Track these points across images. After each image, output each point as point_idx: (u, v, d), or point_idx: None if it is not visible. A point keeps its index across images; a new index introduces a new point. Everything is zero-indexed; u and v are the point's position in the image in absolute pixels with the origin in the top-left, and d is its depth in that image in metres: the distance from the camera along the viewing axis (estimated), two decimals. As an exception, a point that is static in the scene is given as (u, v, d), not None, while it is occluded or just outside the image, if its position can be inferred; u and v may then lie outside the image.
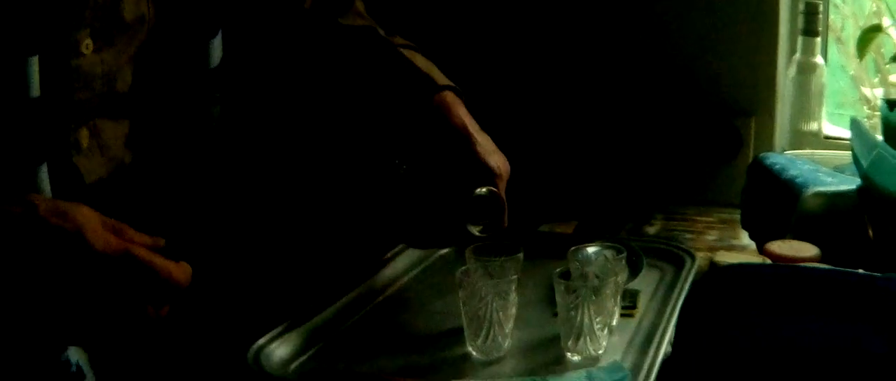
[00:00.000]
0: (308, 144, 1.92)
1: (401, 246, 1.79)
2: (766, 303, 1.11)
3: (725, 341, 1.12)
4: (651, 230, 2.06)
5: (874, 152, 1.48)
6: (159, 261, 1.13)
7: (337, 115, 1.79)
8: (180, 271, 1.15)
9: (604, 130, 2.30)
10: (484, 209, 1.52)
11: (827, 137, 2.30)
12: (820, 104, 2.28)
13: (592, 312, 1.37)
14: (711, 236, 1.98)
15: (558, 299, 1.39)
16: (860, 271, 1.11)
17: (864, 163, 1.51)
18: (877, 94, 2.39)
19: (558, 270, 1.42)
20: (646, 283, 1.67)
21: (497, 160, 1.55)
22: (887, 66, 2.19)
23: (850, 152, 1.61)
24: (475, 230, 1.52)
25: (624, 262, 1.52)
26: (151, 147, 1.44)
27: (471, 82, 1.65)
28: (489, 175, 1.53)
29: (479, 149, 1.55)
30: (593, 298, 1.37)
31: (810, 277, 1.10)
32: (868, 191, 1.52)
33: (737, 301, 1.12)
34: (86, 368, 1.31)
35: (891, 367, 1.08)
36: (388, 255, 1.77)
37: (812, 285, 1.09)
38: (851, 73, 2.24)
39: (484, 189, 1.51)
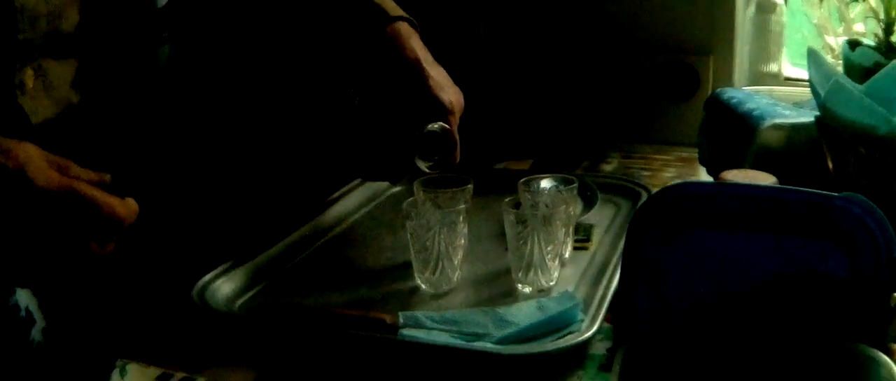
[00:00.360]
0: (259, 81, 1.88)
1: (354, 182, 1.77)
2: (715, 222, 1.07)
3: (669, 261, 1.08)
4: (607, 168, 2.03)
5: (832, 81, 1.44)
6: (103, 197, 1.10)
7: (289, 49, 1.75)
8: (124, 207, 1.12)
9: (560, 68, 2.26)
10: (435, 145, 1.48)
11: (787, 79, 2.27)
12: (779, 45, 2.26)
13: (543, 242, 1.34)
14: (669, 174, 1.95)
15: (508, 229, 1.36)
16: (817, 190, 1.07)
17: (822, 92, 1.47)
18: (840, 43, 2.36)
19: (508, 199, 1.37)
20: (601, 217, 1.64)
21: (450, 95, 1.51)
22: (848, 4, 2.15)
23: (809, 88, 1.57)
24: (424, 166, 1.48)
25: (575, 193, 1.49)
26: (99, 88, 1.40)
27: (425, 18, 1.60)
28: (441, 110, 1.48)
29: (431, 83, 1.50)
30: (543, 228, 1.34)
31: (763, 196, 1.07)
32: (826, 122, 1.48)
33: (681, 220, 1.08)
34: (36, 314, 1.29)
35: (851, 289, 1.04)
36: (340, 192, 1.74)
37: (765, 205, 1.05)
38: (815, 21, 2.21)
39: (436, 125, 1.46)
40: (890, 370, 0.96)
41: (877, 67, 1.50)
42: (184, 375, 1.19)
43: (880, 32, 1.61)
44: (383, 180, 1.68)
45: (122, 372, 1.18)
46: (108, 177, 1.14)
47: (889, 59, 1.48)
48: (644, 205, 1.08)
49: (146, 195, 1.17)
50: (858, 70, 1.58)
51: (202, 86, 1.70)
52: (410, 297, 1.39)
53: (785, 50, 2.27)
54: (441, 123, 1.47)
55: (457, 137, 1.49)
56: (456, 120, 1.51)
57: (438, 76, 1.52)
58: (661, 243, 1.08)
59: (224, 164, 1.73)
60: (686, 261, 1.08)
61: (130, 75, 1.45)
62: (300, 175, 1.76)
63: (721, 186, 1.24)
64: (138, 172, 1.36)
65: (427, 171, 1.48)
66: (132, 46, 1.44)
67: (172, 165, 1.57)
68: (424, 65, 1.51)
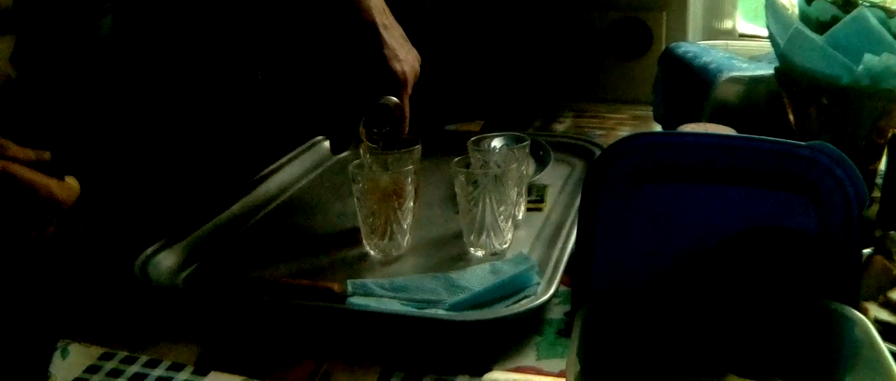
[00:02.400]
0: (204, 51, 1.82)
1: (300, 148, 1.74)
2: (675, 174, 1.02)
3: (627, 217, 1.03)
4: (560, 128, 1.98)
5: (792, 29, 1.40)
6: (40, 179, 1.06)
7: (238, 16, 1.70)
8: (63, 189, 1.08)
9: (510, 27, 2.22)
10: (384, 117, 1.43)
11: (742, 35, 2.25)
12: (734, 1, 2.23)
13: (495, 203, 1.30)
14: (623, 132, 1.92)
15: (458, 190, 1.32)
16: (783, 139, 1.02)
17: (782, 42, 1.43)
18: (795, 1, 2.33)
19: (457, 159, 1.33)
20: (554, 177, 1.60)
21: (404, 65, 1.46)
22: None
23: (768, 41, 1.53)
24: (367, 138, 1.43)
25: (527, 151, 1.44)
26: (38, 62, 1.35)
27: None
28: (394, 83, 1.44)
29: (386, 51, 1.45)
30: (495, 188, 1.29)
31: (725, 146, 1.02)
32: (787, 72, 1.44)
33: (640, 173, 1.03)
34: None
35: (820, 243, 1.00)
36: (285, 158, 1.70)
37: (728, 155, 1.01)
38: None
39: (389, 99, 1.43)
40: (865, 327, 0.92)
41: (834, 20, 1.46)
42: (126, 353, 1.15)
43: (838, -14, 1.58)
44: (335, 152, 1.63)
45: (64, 353, 1.15)
46: (47, 155, 1.09)
47: (847, 11, 1.44)
48: (599, 157, 1.03)
49: (86, 171, 1.12)
50: (815, 24, 1.55)
51: (146, 57, 1.65)
52: (359, 264, 1.35)
53: (740, 7, 2.24)
54: (393, 98, 1.43)
55: (407, 111, 1.45)
56: (408, 92, 1.46)
57: (395, 42, 1.47)
58: (618, 198, 1.02)
59: (165, 135, 1.68)
60: (646, 217, 1.03)
61: (71, 48, 1.40)
62: (242, 143, 1.71)
63: (681, 136, 1.19)
64: (79, 147, 1.31)
65: (370, 143, 1.43)
66: (73, 17, 1.38)
67: (112, 139, 1.52)
68: (381, 30, 1.45)
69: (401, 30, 1.49)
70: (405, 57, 1.47)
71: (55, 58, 1.38)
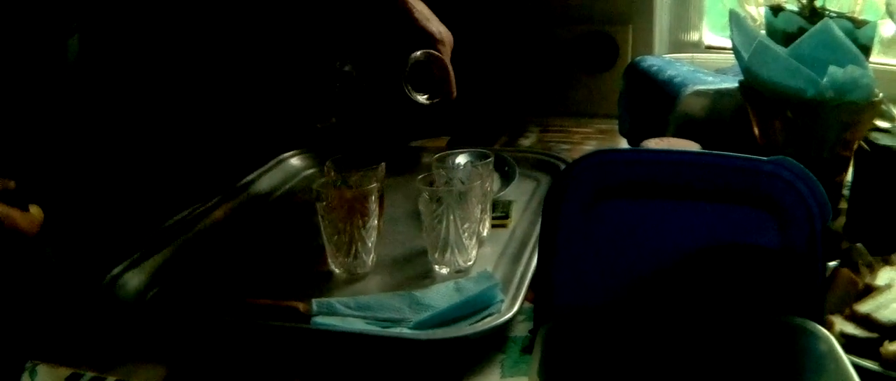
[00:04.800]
0: (177, 73, 1.81)
1: (265, 166, 1.72)
2: (637, 191, 1.02)
3: (589, 234, 1.03)
4: (526, 142, 1.98)
5: (756, 43, 1.40)
6: (4, 211, 1.06)
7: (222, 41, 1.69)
8: (26, 219, 1.07)
9: (476, 41, 2.21)
10: (426, 77, 1.45)
11: (709, 47, 2.24)
12: (700, 12, 2.23)
13: (459, 220, 1.29)
14: (589, 147, 1.92)
15: (422, 208, 1.31)
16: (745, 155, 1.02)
17: (746, 55, 1.42)
18: (762, 13, 2.34)
19: (421, 176, 1.32)
20: (520, 193, 1.60)
21: (438, 26, 1.48)
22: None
23: (733, 53, 1.52)
24: (421, 98, 1.43)
25: (491, 168, 1.43)
26: (2, 84, 1.33)
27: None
28: (429, 40, 1.45)
29: (416, 15, 1.47)
30: (459, 205, 1.28)
31: (687, 162, 1.01)
32: (751, 85, 1.44)
33: (601, 190, 1.02)
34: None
35: (783, 259, 0.99)
36: (251, 176, 1.69)
37: (690, 171, 1.00)
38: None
39: (418, 53, 1.44)
40: (828, 342, 0.92)
41: (801, 32, 1.47)
42: (94, 374, 1.14)
43: (804, -2, 1.58)
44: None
45: (33, 374, 1.14)
46: (11, 184, 1.09)
47: (813, 23, 1.44)
48: (560, 175, 1.02)
49: (52, 192, 1.11)
50: (781, 35, 1.56)
51: (114, 77, 1.64)
52: (325, 282, 1.33)
53: (706, 19, 2.24)
54: (426, 50, 1.44)
55: (450, 67, 1.46)
56: (447, 50, 1.47)
57: (423, 8, 1.48)
58: (579, 215, 1.02)
59: (132, 155, 1.67)
60: (608, 233, 1.02)
61: (37, 69, 1.38)
62: (211, 160, 1.70)
63: (641, 153, 1.19)
64: (44, 170, 1.30)
65: (426, 102, 1.45)
66: (39, 37, 1.37)
67: (79, 159, 1.51)
68: (409, 2, 1.47)
69: (427, 6, 1.50)
70: (437, 21, 1.49)
71: (21, 79, 1.36)
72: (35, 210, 1.09)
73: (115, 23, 1.61)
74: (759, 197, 1.00)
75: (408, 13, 1.46)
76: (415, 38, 1.45)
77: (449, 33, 1.48)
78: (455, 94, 1.47)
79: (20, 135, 1.37)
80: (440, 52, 1.45)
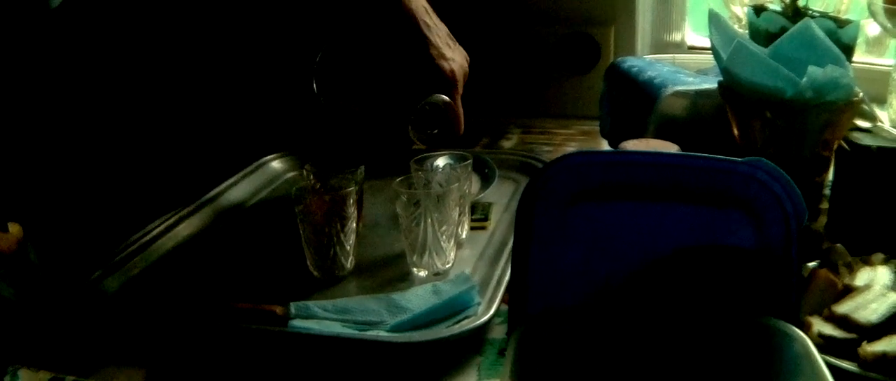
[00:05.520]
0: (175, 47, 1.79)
1: (245, 170, 1.71)
2: (611, 193, 1.02)
3: (564, 236, 1.02)
4: (507, 144, 1.98)
5: (734, 43, 1.39)
6: None
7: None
8: (3, 241, 1.07)
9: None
10: (434, 118, 1.43)
11: (691, 48, 2.24)
12: (683, 13, 2.23)
13: (436, 223, 1.29)
14: (571, 148, 1.91)
15: (400, 210, 1.30)
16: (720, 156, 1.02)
17: (725, 55, 1.42)
18: (746, 12, 2.34)
19: (400, 178, 1.31)
20: (499, 195, 1.60)
21: (451, 65, 1.44)
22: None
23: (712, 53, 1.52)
24: (417, 138, 1.42)
25: (470, 169, 1.42)
26: None
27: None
28: (443, 82, 1.43)
29: (433, 52, 1.43)
30: (436, 208, 1.28)
31: (661, 164, 1.01)
32: (730, 86, 1.44)
33: (575, 192, 1.02)
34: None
35: (758, 260, 0.99)
36: (233, 179, 1.69)
37: (664, 173, 1.00)
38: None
39: (439, 98, 1.42)
40: (804, 343, 0.91)
41: (783, 31, 1.47)
42: (75, 378, 1.14)
43: (787, -2, 1.58)
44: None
45: (14, 378, 1.14)
46: None
47: (795, 22, 1.44)
48: (534, 178, 1.02)
49: (34, 199, 1.11)
50: (764, 35, 1.56)
51: (98, 37, 1.62)
52: (303, 285, 1.33)
53: (689, 19, 2.24)
54: (443, 96, 1.42)
55: (459, 109, 1.43)
56: (459, 91, 1.45)
57: (440, 42, 1.44)
58: (554, 217, 1.02)
59: (114, 153, 1.66)
60: (583, 235, 1.02)
61: (16, 14, 1.37)
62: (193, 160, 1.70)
63: (615, 155, 1.19)
64: (26, 176, 1.29)
65: (422, 146, 1.43)
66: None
67: (64, 163, 1.50)
68: (425, 30, 1.43)
69: (446, 29, 1.47)
70: (452, 55, 1.45)
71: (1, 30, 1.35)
72: (14, 229, 1.08)
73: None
74: (734, 198, 0.99)
75: (425, 47, 1.42)
76: (428, 76, 1.42)
77: (463, 63, 1.46)
78: (462, 131, 1.44)
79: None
80: (452, 98, 1.42)
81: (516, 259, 1.03)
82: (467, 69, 1.46)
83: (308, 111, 1.51)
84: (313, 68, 1.45)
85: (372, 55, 1.44)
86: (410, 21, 1.41)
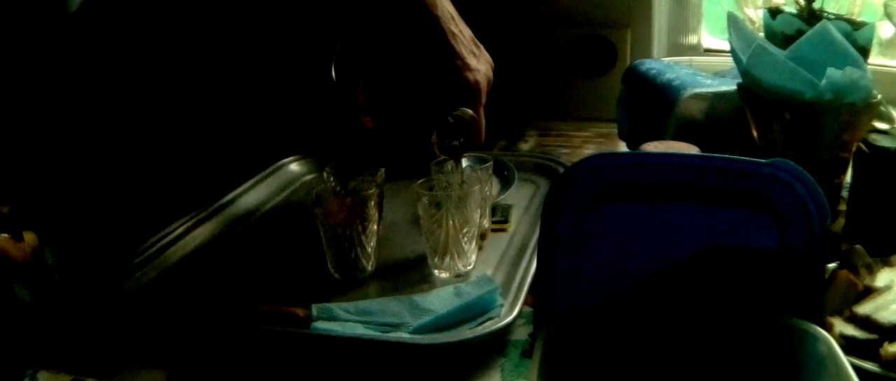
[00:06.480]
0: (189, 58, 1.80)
1: (264, 172, 1.72)
2: (635, 194, 1.02)
3: (589, 238, 1.02)
4: (525, 147, 1.98)
5: (754, 45, 1.40)
6: None
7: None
8: (18, 249, 1.07)
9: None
10: (457, 129, 1.41)
11: (708, 50, 2.24)
12: (698, 16, 2.23)
13: (458, 225, 1.29)
14: (588, 150, 1.91)
15: (421, 212, 1.31)
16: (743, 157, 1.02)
17: (744, 58, 1.42)
18: (760, 15, 2.34)
19: (421, 180, 1.32)
20: (519, 197, 1.60)
21: (476, 76, 1.42)
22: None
23: (731, 56, 1.52)
24: (444, 153, 1.41)
25: (490, 172, 1.44)
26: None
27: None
28: (469, 94, 1.41)
29: (458, 62, 1.41)
30: (458, 209, 1.28)
31: (685, 165, 1.01)
32: (749, 88, 1.44)
33: (600, 194, 1.02)
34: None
35: (782, 261, 0.99)
36: (252, 180, 1.69)
37: (688, 174, 1.00)
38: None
39: (463, 112, 1.40)
40: (828, 344, 0.91)
41: (799, 34, 1.47)
42: (94, 380, 1.14)
43: (802, 0, 1.58)
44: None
45: (33, 380, 1.14)
46: (5, 209, 1.08)
47: (812, 24, 1.44)
48: (559, 179, 1.02)
49: (52, 201, 1.11)
50: (780, 37, 1.56)
51: (117, 41, 1.63)
52: (324, 287, 1.33)
53: (705, 22, 2.24)
54: (468, 110, 1.40)
55: (483, 122, 1.42)
56: (483, 101, 1.43)
57: (465, 51, 1.42)
58: (578, 219, 1.02)
59: (134, 155, 1.66)
60: (607, 237, 1.02)
61: (36, 19, 1.37)
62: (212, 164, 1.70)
63: (640, 157, 1.19)
64: (45, 179, 1.29)
65: (444, 156, 1.41)
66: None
67: (83, 165, 1.50)
68: (451, 40, 1.41)
69: (471, 34, 1.45)
70: (477, 66, 1.43)
71: (19, 27, 1.35)
72: (29, 237, 1.08)
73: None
74: (757, 199, 0.99)
75: (451, 58, 1.40)
76: (453, 89, 1.40)
77: (488, 72, 1.44)
78: (483, 140, 1.43)
79: (17, 132, 1.36)
80: (475, 109, 1.41)
81: (541, 260, 1.04)
82: (492, 77, 1.44)
83: (327, 113, 1.51)
84: (333, 56, 1.45)
85: (396, 62, 1.43)
86: (437, 29, 1.40)
